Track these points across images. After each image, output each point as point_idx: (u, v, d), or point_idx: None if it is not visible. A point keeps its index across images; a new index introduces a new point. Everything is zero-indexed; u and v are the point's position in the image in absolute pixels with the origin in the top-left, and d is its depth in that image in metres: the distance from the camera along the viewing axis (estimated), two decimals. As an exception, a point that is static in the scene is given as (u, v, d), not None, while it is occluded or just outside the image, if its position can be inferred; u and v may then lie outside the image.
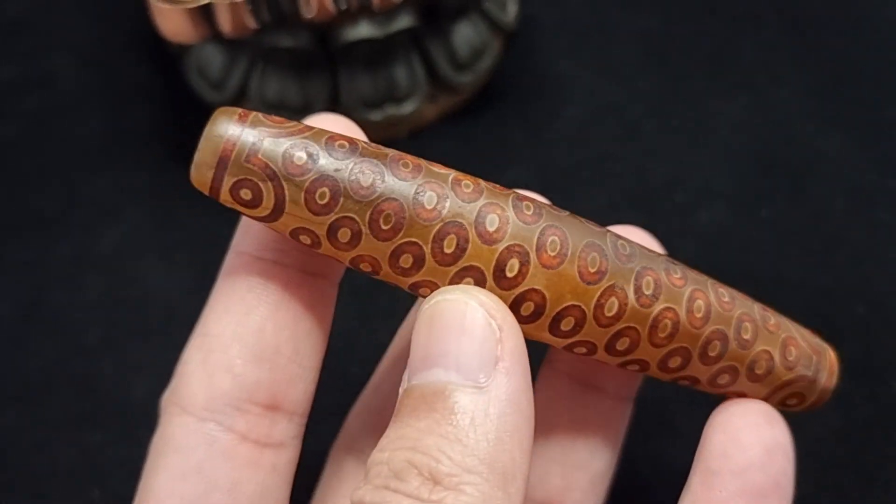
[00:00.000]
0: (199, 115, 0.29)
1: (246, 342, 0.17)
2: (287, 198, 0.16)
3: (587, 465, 0.19)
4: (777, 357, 0.18)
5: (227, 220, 0.28)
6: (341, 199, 0.16)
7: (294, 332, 0.17)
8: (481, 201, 0.16)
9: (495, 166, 0.28)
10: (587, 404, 0.19)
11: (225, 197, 0.16)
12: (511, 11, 0.30)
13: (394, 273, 0.16)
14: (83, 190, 0.28)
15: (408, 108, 0.28)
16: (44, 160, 0.29)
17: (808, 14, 0.31)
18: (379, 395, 0.21)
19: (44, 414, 0.25)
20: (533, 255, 0.16)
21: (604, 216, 0.27)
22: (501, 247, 0.16)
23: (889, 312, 0.25)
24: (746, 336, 0.17)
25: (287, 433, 0.17)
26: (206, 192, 0.16)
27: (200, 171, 0.16)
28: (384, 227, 0.16)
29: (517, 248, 0.16)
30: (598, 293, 0.16)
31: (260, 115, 0.16)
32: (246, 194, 0.16)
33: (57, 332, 0.26)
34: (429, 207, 0.16)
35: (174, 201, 0.28)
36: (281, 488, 0.17)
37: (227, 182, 0.16)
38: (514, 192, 0.17)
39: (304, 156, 0.16)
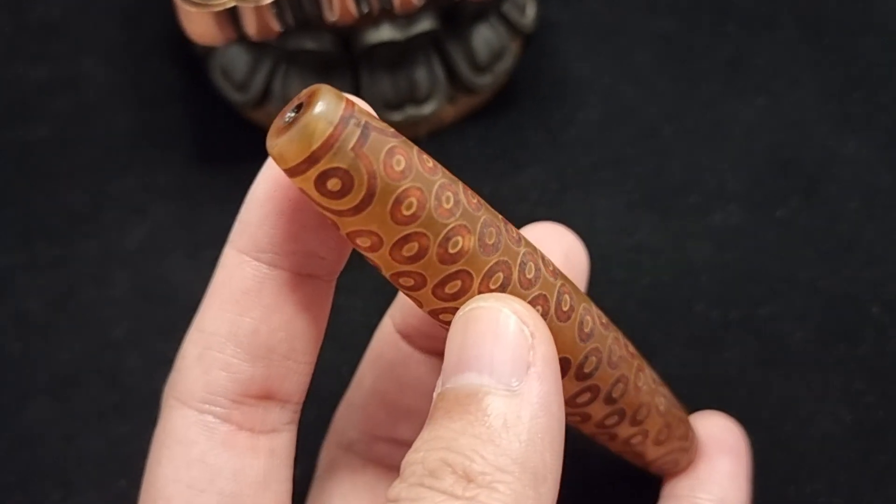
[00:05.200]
0: (224, 115, 0.30)
1: (241, 342, 0.17)
2: (375, 199, 0.15)
3: None
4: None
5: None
6: (423, 215, 0.15)
7: (288, 333, 0.17)
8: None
9: (513, 167, 0.29)
10: None
11: (306, 180, 0.15)
12: (530, 14, 0.30)
13: (438, 301, 0.16)
14: (111, 188, 0.29)
15: (428, 108, 0.29)
16: (73, 159, 0.30)
17: (825, 16, 0.31)
18: (361, 391, 0.21)
19: (72, 406, 0.26)
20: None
21: (620, 217, 0.28)
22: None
23: (902, 313, 0.26)
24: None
25: (281, 419, 0.18)
26: (284, 168, 0.15)
27: (290, 147, 0.14)
28: (451, 252, 0.15)
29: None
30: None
31: (364, 106, 0.15)
32: (334, 184, 0.15)
33: (85, 326, 0.27)
34: (489, 242, 0.16)
35: (199, 199, 0.29)
36: (281, 470, 0.18)
37: (320, 167, 0.14)
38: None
39: (402, 161, 0.15)
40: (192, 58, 0.31)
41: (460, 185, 0.16)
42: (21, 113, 0.31)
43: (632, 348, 0.19)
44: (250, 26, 0.25)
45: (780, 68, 0.30)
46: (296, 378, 0.18)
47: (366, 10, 0.25)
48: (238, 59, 0.29)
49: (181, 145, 0.30)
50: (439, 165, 0.16)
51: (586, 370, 0.17)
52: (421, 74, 0.28)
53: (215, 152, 0.30)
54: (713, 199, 0.28)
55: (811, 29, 0.31)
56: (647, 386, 0.19)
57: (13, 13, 0.33)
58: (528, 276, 0.16)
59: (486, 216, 0.16)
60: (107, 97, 0.31)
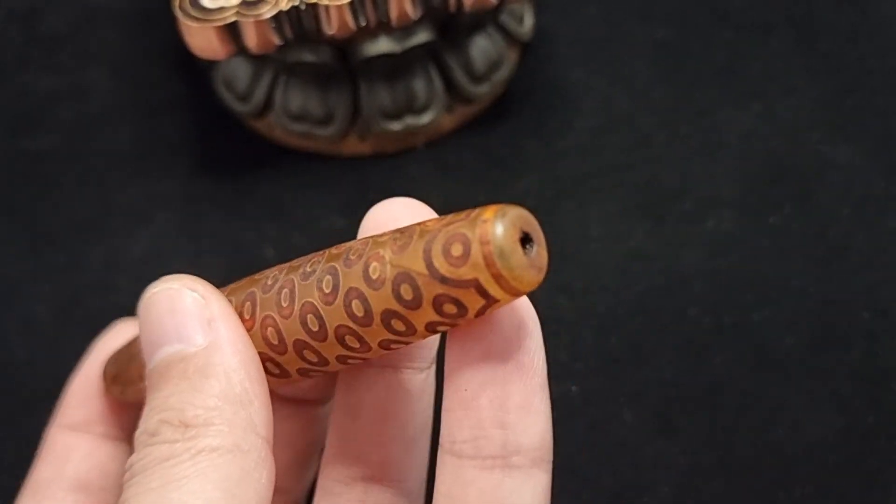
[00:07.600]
0: (227, 125, 0.31)
1: None
2: None
3: (399, 436, 0.20)
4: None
5: (252, 228, 0.29)
6: None
7: None
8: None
9: (509, 175, 0.29)
10: (387, 383, 0.20)
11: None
12: (527, 24, 0.31)
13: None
14: (116, 197, 0.30)
15: (426, 118, 0.29)
16: (79, 169, 0.30)
17: (819, 24, 0.31)
18: None
19: (78, 411, 0.26)
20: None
21: (614, 224, 0.28)
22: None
23: (893, 319, 0.26)
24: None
25: None
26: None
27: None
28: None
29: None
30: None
31: None
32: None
33: (91, 332, 0.27)
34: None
35: (202, 208, 0.29)
36: None
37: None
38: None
39: None
40: (196, 69, 0.31)
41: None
42: (28, 123, 0.31)
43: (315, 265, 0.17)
44: (250, 40, 0.25)
45: (775, 75, 0.30)
46: None
47: (363, 24, 0.26)
48: (240, 71, 0.29)
49: (185, 155, 0.30)
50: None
51: (274, 342, 0.18)
52: (419, 85, 0.29)
53: (218, 162, 0.30)
54: (707, 206, 0.28)
55: (806, 36, 0.31)
56: (320, 284, 0.17)
57: (22, 25, 0.34)
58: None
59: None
60: (112, 107, 0.31)
